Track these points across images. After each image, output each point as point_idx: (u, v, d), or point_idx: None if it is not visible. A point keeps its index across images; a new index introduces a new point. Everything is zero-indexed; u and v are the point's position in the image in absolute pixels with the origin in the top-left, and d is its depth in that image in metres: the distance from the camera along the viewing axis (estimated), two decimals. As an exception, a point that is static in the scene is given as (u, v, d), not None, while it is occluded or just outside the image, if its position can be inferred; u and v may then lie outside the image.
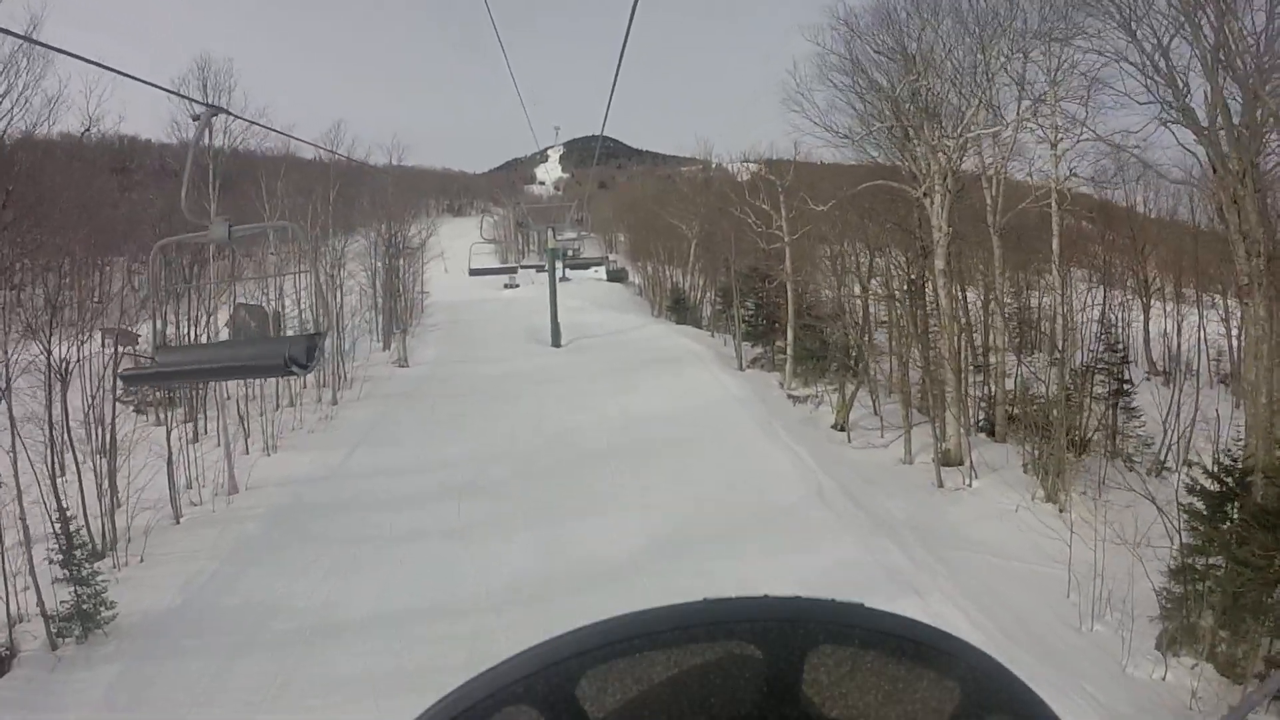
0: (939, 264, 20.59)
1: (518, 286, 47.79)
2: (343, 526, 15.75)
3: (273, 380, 25.02)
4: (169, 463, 17.26)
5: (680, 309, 38.55)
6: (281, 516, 16.62)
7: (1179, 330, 26.77)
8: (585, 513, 15.70)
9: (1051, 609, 13.54)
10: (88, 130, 32.20)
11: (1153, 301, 28.75)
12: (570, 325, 33.69)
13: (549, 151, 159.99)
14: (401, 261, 37.05)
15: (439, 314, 40.45)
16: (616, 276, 50.69)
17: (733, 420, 21.29)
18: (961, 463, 20.15)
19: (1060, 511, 17.54)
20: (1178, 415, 19.14)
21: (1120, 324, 26.59)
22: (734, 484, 17.23)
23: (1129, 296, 28.73)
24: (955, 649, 0.42)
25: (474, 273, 31.93)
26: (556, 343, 32.96)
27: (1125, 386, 21.01)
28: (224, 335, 26.77)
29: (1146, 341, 28.52)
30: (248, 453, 20.66)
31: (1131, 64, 16.31)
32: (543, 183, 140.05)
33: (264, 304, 29.85)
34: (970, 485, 19.10)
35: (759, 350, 29.59)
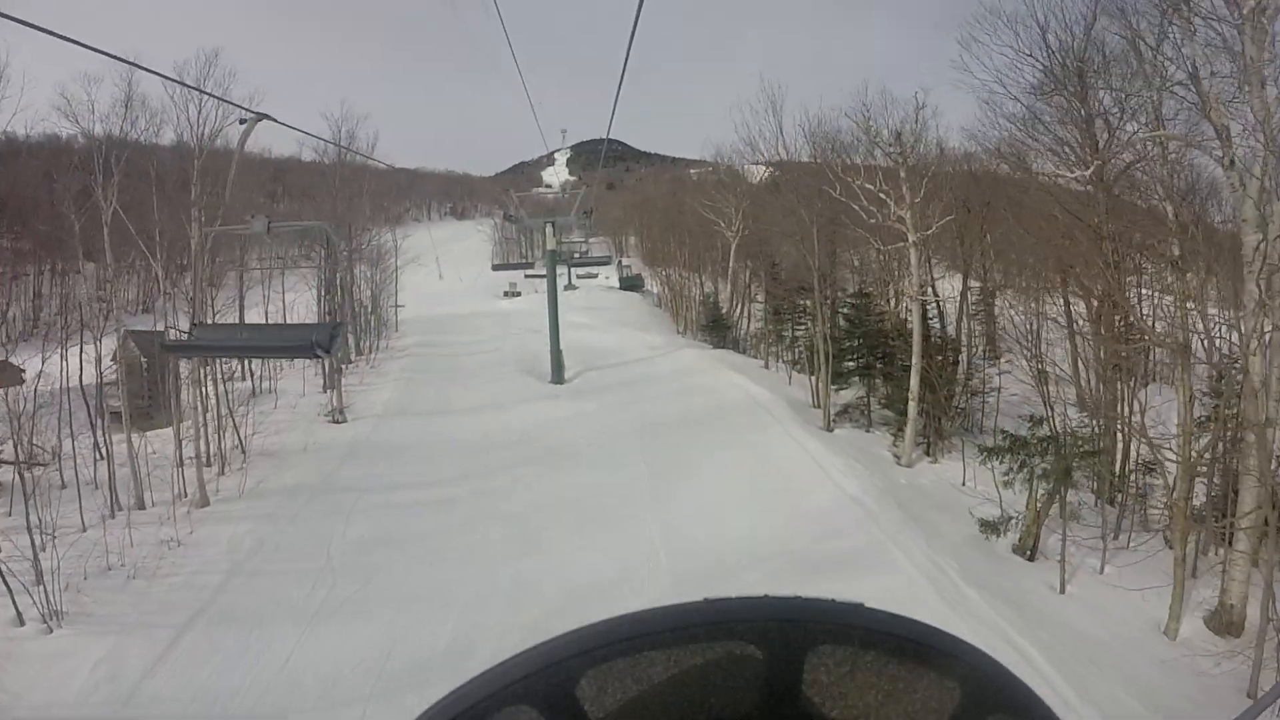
0: (1250, 288, 10.56)
1: (519, 295, 40.06)
2: None
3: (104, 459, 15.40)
4: None
5: (719, 328, 28.27)
6: None
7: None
8: None
9: None
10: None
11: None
12: (577, 349, 23.94)
13: (555, 155, 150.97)
14: (360, 270, 27.09)
15: (415, 333, 30.58)
16: (631, 284, 40.87)
17: (872, 558, 11.18)
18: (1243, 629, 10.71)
19: None
20: None
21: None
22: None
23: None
24: (955, 649, 0.40)
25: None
26: (559, 377, 23.07)
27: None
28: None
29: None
30: (21, 623, 10.77)
31: None
32: (549, 186, 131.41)
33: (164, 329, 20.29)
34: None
35: (845, 392, 19.52)
